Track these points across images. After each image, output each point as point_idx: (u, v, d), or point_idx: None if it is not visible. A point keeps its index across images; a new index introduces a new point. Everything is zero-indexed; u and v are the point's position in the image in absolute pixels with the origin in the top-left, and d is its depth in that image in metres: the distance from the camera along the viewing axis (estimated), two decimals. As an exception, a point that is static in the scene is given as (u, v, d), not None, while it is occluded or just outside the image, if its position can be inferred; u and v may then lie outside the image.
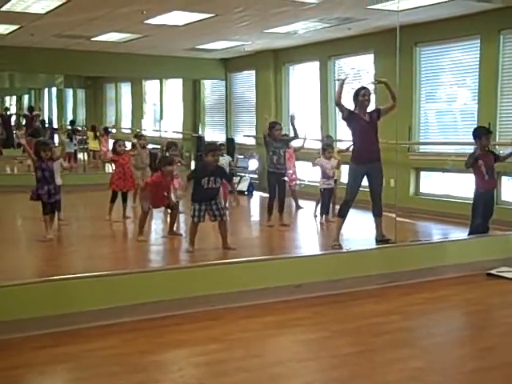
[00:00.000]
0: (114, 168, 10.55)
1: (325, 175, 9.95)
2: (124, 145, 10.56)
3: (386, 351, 4.86)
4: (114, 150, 10.46)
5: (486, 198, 7.94)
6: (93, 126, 20.01)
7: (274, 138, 9.89)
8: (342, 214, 8.17)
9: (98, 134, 18.77)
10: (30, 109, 24.94)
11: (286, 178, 10.48)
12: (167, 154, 10.13)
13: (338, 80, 7.92)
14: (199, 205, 7.81)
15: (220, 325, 5.39)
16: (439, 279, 6.89)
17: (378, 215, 8.14)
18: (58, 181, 9.54)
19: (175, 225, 9.23)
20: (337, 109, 13.06)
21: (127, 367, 4.44)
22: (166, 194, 8.91)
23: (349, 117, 7.93)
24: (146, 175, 10.88)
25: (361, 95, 7.90)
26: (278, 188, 9.91)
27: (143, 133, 19.44)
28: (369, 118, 7.93)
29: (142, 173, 11.17)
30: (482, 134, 8.01)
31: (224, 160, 10.93)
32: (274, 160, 9.80)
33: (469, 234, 8.00)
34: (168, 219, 9.38)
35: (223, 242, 7.98)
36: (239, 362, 4.55)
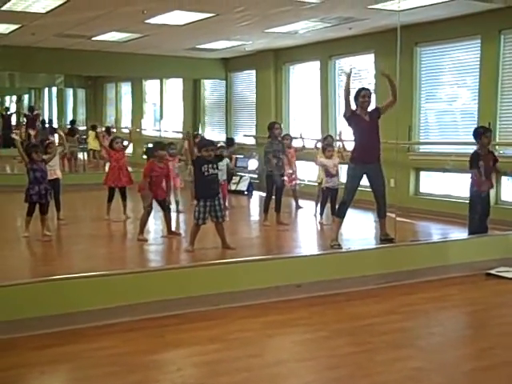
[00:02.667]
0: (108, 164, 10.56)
1: (328, 173, 9.93)
2: (122, 142, 10.55)
3: (385, 351, 4.86)
4: (110, 145, 10.47)
5: (482, 197, 7.94)
6: (93, 125, 20.00)
7: (275, 137, 9.90)
8: (341, 215, 8.17)
9: (98, 134, 18.80)
10: (31, 109, 24.96)
11: (285, 178, 10.49)
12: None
13: (344, 73, 7.93)
14: (204, 203, 7.79)
15: (219, 325, 5.40)
16: (438, 279, 6.89)
17: (382, 216, 8.16)
18: (58, 174, 9.55)
19: (174, 225, 9.22)
20: (337, 108, 13.24)
21: (127, 367, 4.45)
22: (165, 184, 8.91)
23: (350, 116, 7.94)
24: None
25: (361, 96, 7.91)
26: (275, 187, 9.93)
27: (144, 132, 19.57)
28: (369, 119, 7.94)
29: None
30: (481, 133, 8.03)
31: (222, 164, 10.96)
32: (274, 163, 9.81)
33: (469, 234, 8.01)
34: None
35: (222, 242, 7.99)
36: (238, 361, 4.56)
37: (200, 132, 17.59)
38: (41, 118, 25.52)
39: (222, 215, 7.94)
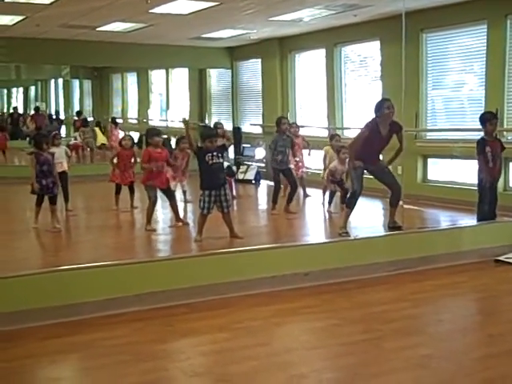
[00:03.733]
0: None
1: (332, 173, 9.86)
2: (130, 139, 10.54)
3: (395, 338, 4.86)
4: (120, 143, 10.50)
5: (490, 184, 7.90)
6: (98, 122, 20.12)
7: (283, 132, 9.87)
8: (350, 205, 8.17)
9: (103, 129, 18.98)
10: (37, 109, 25.03)
11: (291, 166, 10.45)
12: (177, 148, 10.19)
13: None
14: (209, 192, 7.78)
15: (228, 313, 5.40)
16: (448, 266, 6.87)
17: (393, 205, 8.15)
18: (65, 166, 9.56)
19: (182, 214, 9.21)
20: (343, 96, 13.21)
21: (136, 356, 4.46)
22: (165, 172, 8.89)
23: (371, 127, 7.91)
24: None
25: (385, 107, 7.87)
26: (288, 180, 9.94)
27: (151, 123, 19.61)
28: (386, 132, 7.93)
29: None
30: (487, 119, 7.98)
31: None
32: (279, 159, 9.78)
33: (477, 221, 7.98)
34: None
35: (230, 232, 7.98)
36: (247, 350, 4.56)
37: (206, 121, 17.58)
38: (47, 113, 25.67)
39: (228, 205, 7.93)
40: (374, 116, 7.97)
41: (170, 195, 8.96)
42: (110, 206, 10.22)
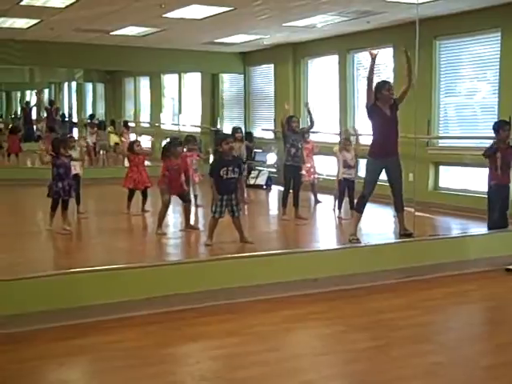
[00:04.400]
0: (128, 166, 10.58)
1: (346, 164, 9.94)
2: (140, 145, 10.60)
3: (403, 346, 4.85)
4: (131, 148, 10.49)
5: (500, 192, 7.87)
6: (112, 121, 20.18)
7: (293, 130, 9.89)
8: (359, 209, 8.14)
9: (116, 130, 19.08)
10: (51, 102, 25.12)
11: (303, 172, 10.47)
12: (185, 149, 10.22)
13: (371, 54, 7.85)
14: (221, 197, 7.81)
15: (237, 318, 5.41)
16: (458, 274, 6.84)
17: (399, 210, 8.10)
18: (78, 169, 9.60)
19: (193, 219, 9.24)
20: (356, 102, 13.18)
21: (145, 360, 4.47)
22: (183, 178, 8.97)
23: (372, 108, 7.87)
24: None
25: (385, 89, 7.82)
26: (293, 181, 9.92)
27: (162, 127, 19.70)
28: (390, 113, 7.87)
29: None
30: (500, 126, 7.96)
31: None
32: (292, 152, 9.79)
33: (488, 229, 7.95)
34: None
35: (240, 237, 7.99)
36: (256, 355, 4.56)
37: (219, 126, 17.61)
38: (60, 112, 25.72)
39: (238, 209, 7.94)
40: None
41: (184, 198, 9.02)
42: (122, 210, 10.25)
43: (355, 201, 8.67)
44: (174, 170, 8.79)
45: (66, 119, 25.44)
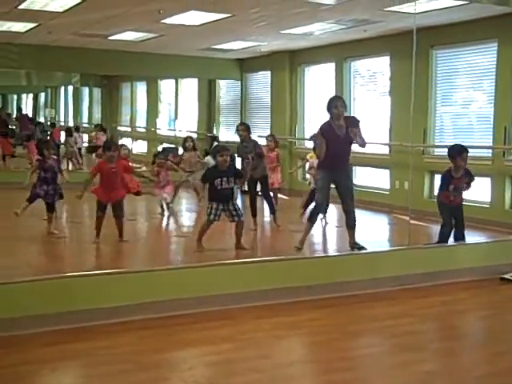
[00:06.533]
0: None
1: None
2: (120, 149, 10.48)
3: (397, 354, 4.85)
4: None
5: (452, 211, 7.69)
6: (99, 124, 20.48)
7: (242, 140, 9.74)
8: (311, 219, 7.92)
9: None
10: (19, 109, 25.12)
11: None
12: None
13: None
14: (216, 204, 7.78)
15: (231, 325, 5.40)
16: (452, 283, 6.85)
17: (351, 227, 7.83)
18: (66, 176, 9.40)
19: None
20: (352, 111, 13.21)
21: (138, 365, 4.45)
22: (116, 188, 8.31)
23: (324, 130, 7.60)
24: None
25: (334, 107, 7.58)
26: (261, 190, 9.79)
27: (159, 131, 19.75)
28: (344, 132, 7.56)
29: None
30: (457, 153, 7.55)
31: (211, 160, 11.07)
32: (245, 167, 9.49)
33: (437, 242, 7.75)
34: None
35: (237, 242, 7.96)
36: (250, 362, 4.55)
37: (215, 132, 17.62)
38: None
39: (239, 214, 7.85)
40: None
41: (116, 211, 8.33)
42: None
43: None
44: (105, 176, 8.20)
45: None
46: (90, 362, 4.58)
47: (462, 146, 7.81)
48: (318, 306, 5.96)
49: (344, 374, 4.42)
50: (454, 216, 7.73)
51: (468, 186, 7.74)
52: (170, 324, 5.32)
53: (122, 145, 11.34)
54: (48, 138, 19.34)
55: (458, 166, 7.56)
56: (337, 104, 7.60)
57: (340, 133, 7.56)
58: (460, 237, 7.71)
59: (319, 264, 6.65)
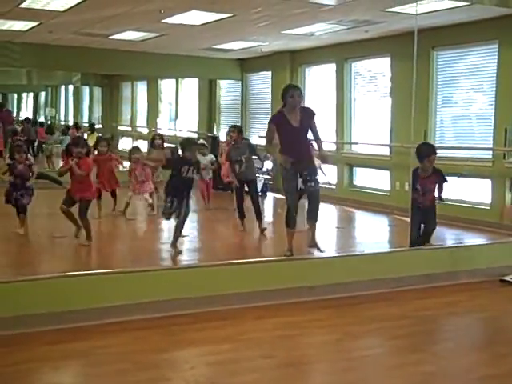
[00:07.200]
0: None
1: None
2: (105, 145, 10.48)
3: (398, 355, 4.85)
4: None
5: (422, 213, 7.57)
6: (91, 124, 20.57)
7: (234, 142, 9.76)
8: (291, 225, 7.50)
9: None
10: (1, 105, 25.03)
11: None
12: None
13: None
14: (172, 198, 7.65)
15: (232, 325, 5.40)
16: (452, 284, 6.85)
17: (312, 219, 7.51)
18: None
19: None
20: (353, 111, 13.23)
21: (139, 364, 4.46)
22: (89, 185, 8.21)
23: (276, 122, 7.37)
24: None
25: (290, 96, 7.28)
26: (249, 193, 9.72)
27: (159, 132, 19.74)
28: (298, 121, 7.31)
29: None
30: (425, 156, 7.47)
31: (205, 159, 11.07)
32: (236, 169, 9.56)
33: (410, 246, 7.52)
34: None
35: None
36: (251, 362, 4.56)
37: (215, 132, 17.62)
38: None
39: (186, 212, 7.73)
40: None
41: (81, 209, 8.08)
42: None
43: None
44: (75, 173, 7.99)
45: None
46: (90, 361, 4.58)
47: (429, 146, 7.70)
48: (319, 307, 5.96)
49: (344, 375, 4.42)
50: (424, 220, 7.60)
51: (440, 188, 7.63)
52: (171, 324, 5.32)
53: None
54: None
55: (424, 168, 7.50)
56: (293, 93, 7.29)
57: (295, 123, 7.29)
58: (425, 239, 7.58)
59: (321, 265, 6.65)
